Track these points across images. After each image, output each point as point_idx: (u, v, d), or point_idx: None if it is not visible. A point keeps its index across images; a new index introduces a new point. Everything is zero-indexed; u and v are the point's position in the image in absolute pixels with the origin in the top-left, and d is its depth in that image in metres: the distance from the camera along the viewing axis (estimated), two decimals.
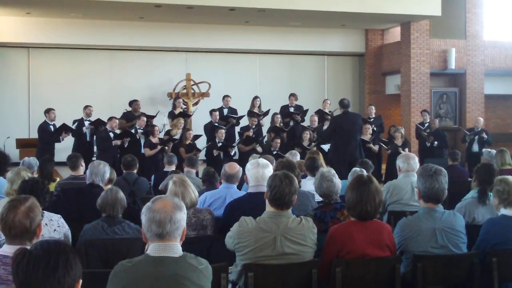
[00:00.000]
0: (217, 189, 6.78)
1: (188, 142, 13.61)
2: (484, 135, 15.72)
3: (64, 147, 13.83)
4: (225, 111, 15.39)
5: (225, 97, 15.80)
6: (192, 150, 13.30)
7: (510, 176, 5.31)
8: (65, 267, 2.37)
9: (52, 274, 2.34)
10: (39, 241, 2.48)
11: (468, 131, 16.26)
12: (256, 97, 15.56)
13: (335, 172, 5.61)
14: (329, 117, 14.89)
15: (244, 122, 15.32)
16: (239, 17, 17.61)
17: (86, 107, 14.20)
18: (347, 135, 12.03)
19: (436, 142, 14.99)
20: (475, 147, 15.61)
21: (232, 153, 13.73)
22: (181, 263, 3.28)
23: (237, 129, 15.38)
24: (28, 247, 2.46)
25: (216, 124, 14.44)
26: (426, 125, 15.78)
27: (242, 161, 10.21)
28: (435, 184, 4.69)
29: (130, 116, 14.42)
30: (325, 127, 14.53)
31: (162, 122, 15.22)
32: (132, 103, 14.76)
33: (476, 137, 15.81)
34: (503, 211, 5.10)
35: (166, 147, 13.20)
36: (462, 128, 17.82)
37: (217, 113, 14.90)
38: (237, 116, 15.31)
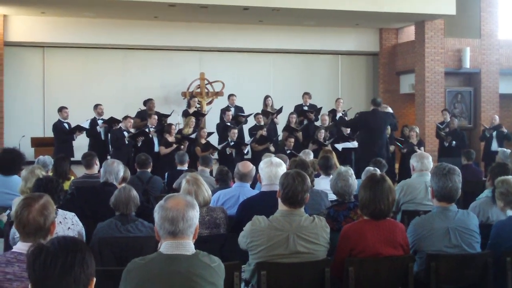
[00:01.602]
0: (231, 187, 6.79)
1: (203, 140, 13.60)
2: (504, 129, 15.67)
3: (79, 146, 13.88)
4: (232, 110, 15.37)
5: (231, 96, 15.79)
6: (209, 149, 13.30)
7: (510, 176, 5.27)
8: (82, 265, 2.37)
9: (69, 272, 2.34)
10: (55, 237, 2.47)
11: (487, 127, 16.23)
12: (267, 97, 15.52)
13: (353, 172, 5.59)
14: (343, 116, 14.92)
15: (253, 120, 15.28)
16: (253, 16, 17.61)
17: (96, 106, 14.18)
18: (373, 133, 12.09)
19: (454, 142, 14.92)
20: (494, 146, 15.52)
21: (245, 151, 13.69)
22: (193, 260, 3.29)
23: (245, 127, 15.34)
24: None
25: (229, 124, 14.44)
26: (444, 124, 15.72)
27: (255, 160, 10.21)
28: (449, 183, 4.66)
29: (144, 115, 14.39)
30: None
31: (176, 121, 15.24)
32: (147, 102, 14.75)
33: (495, 133, 15.75)
34: (510, 212, 5.05)
35: (182, 146, 13.19)
36: (483, 124, 17.66)
37: (230, 112, 14.89)
38: (246, 114, 15.30)
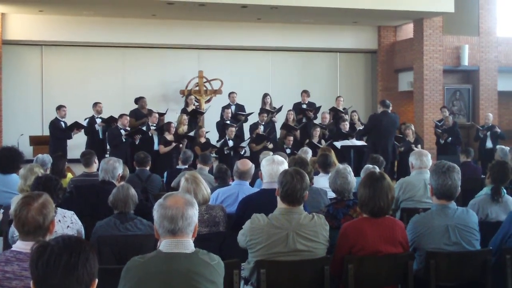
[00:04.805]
0: (230, 186, 6.78)
1: (203, 139, 13.57)
2: (497, 129, 15.70)
3: (77, 145, 13.88)
4: (232, 107, 15.36)
5: (231, 93, 15.80)
6: (208, 148, 13.28)
7: None
8: (85, 265, 2.37)
9: (72, 271, 2.34)
10: (60, 236, 2.47)
11: (481, 128, 16.25)
12: (266, 95, 15.53)
13: (351, 169, 5.60)
14: (343, 114, 14.93)
15: (253, 118, 15.27)
16: (251, 14, 17.60)
17: (95, 104, 14.20)
18: (385, 135, 12.28)
19: (450, 139, 14.96)
20: (489, 144, 15.57)
21: (242, 152, 13.62)
22: (193, 259, 3.29)
23: (245, 125, 15.31)
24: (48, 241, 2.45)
25: (228, 122, 14.41)
26: (442, 122, 15.76)
27: (254, 158, 10.21)
28: (448, 181, 4.66)
29: (137, 114, 14.34)
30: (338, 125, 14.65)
31: (174, 119, 15.23)
32: (139, 100, 14.69)
33: (489, 133, 15.76)
34: None
35: (181, 145, 13.17)
36: (476, 124, 17.69)
37: (230, 110, 14.87)
38: (245, 113, 15.28)
